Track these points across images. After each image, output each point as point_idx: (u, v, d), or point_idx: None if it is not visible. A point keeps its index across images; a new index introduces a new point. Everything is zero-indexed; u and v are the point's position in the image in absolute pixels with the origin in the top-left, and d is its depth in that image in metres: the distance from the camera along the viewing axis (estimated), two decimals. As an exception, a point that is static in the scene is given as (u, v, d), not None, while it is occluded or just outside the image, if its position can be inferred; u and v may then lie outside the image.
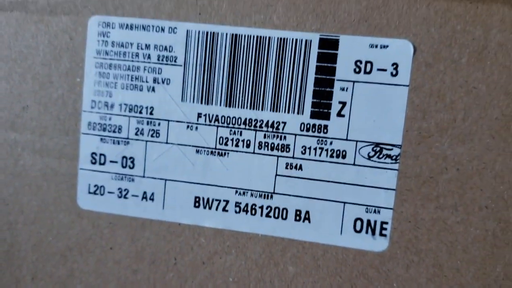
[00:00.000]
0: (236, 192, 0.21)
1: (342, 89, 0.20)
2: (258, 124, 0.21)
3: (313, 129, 0.20)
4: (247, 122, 0.21)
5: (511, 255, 0.20)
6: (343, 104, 0.20)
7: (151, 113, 0.22)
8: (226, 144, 0.21)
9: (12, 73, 0.22)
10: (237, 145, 0.21)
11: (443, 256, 0.20)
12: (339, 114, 0.20)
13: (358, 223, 0.20)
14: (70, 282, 0.23)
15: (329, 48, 0.20)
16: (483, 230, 0.20)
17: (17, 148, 0.23)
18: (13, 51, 0.22)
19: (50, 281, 0.23)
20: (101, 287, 0.23)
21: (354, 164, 0.20)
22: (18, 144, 0.23)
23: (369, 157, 0.20)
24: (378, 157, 0.20)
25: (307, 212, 0.21)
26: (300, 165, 0.21)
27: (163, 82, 0.21)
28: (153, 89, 0.21)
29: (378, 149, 0.20)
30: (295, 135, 0.21)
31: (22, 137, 0.23)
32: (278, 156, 0.21)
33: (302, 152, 0.21)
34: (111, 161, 0.22)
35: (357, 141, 0.20)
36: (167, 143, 0.22)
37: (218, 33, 0.21)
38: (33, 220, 0.23)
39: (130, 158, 0.22)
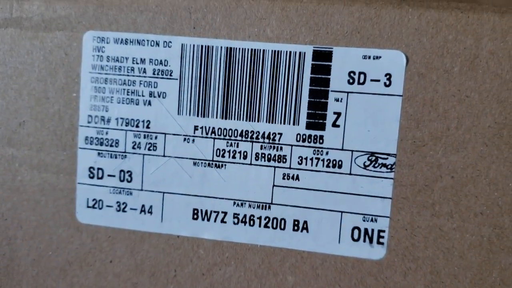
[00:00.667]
0: (234, 203, 0.21)
1: (337, 100, 0.20)
2: (255, 136, 0.21)
3: (309, 140, 0.21)
4: (244, 133, 0.21)
5: (507, 260, 0.20)
6: (338, 114, 0.20)
7: (147, 127, 0.22)
8: (223, 156, 0.21)
9: (8, 90, 0.22)
10: (234, 157, 0.21)
11: (440, 262, 0.20)
12: (334, 125, 0.20)
13: (356, 231, 0.21)
14: (71, 296, 0.23)
15: (322, 60, 0.20)
16: (478, 236, 0.20)
17: (14, 164, 0.23)
18: (8, 67, 0.22)
19: (50, 295, 0.23)
20: (101, 300, 0.23)
21: (350, 174, 0.21)
22: (16, 160, 0.23)
23: (365, 167, 0.20)
24: (373, 166, 0.20)
25: (305, 222, 0.21)
26: (297, 175, 0.21)
27: (159, 96, 0.21)
28: (149, 103, 0.21)
29: (373, 158, 0.20)
30: (291, 145, 0.21)
31: (19, 153, 0.23)
32: (275, 167, 0.21)
33: (298, 162, 0.21)
34: (109, 175, 0.22)
35: (352, 151, 0.20)
36: (164, 156, 0.22)
37: (212, 47, 0.21)
38: (32, 235, 0.23)
39: (128, 171, 0.22)
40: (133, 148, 0.22)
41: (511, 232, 0.20)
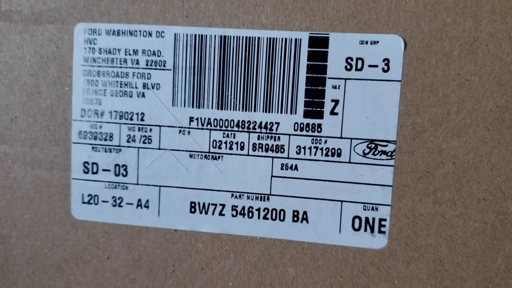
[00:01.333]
0: (232, 195, 0.21)
1: (334, 87, 0.20)
2: (251, 126, 0.21)
3: (307, 129, 0.20)
4: (240, 124, 0.21)
5: (511, 246, 0.20)
6: (336, 102, 0.20)
7: (142, 119, 0.21)
8: (219, 147, 0.21)
9: (-1, 85, 0.22)
10: (231, 148, 0.21)
11: (443, 250, 0.20)
12: (332, 112, 0.20)
13: (357, 221, 0.20)
14: (68, 294, 0.23)
15: (319, 47, 0.20)
16: (482, 223, 0.20)
17: (7, 161, 0.22)
18: (-2, 62, 0.22)
19: (47, 294, 0.23)
20: (99, 297, 0.22)
21: (349, 162, 0.20)
22: (8, 157, 0.22)
23: (364, 154, 0.20)
24: (373, 154, 0.20)
25: (305, 212, 0.21)
26: (296, 165, 0.20)
27: (153, 87, 0.21)
28: (143, 95, 0.21)
29: (373, 146, 0.20)
30: (289, 135, 0.20)
31: (12, 149, 0.22)
32: (273, 157, 0.21)
33: (297, 152, 0.20)
34: (103, 170, 0.22)
35: (351, 139, 0.20)
36: (159, 149, 0.21)
37: (206, 36, 0.20)
38: (27, 233, 0.23)
39: (123, 165, 0.22)
40: (128, 141, 0.21)
41: (515, 217, 0.19)
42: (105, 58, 0.21)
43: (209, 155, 0.21)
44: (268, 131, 0.20)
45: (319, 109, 0.20)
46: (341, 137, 0.20)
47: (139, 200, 0.22)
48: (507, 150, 0.19)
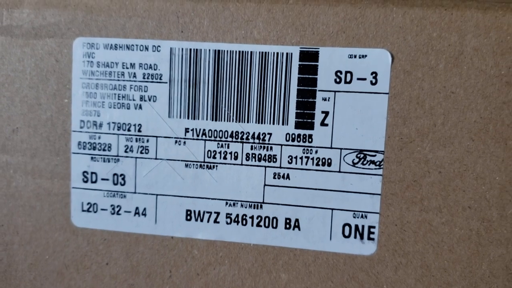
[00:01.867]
0: (227, 203, 0.22)
1: (324, 99, 0.21)
2: (245, 136, 0.21)
3: (298, 139, 0.21)
4: (234, 134, 0.21)
5: (495, 252, 0.20)
6: (326, 113, 0.21)
7: (139, 130, 0.22)
8: (214, 157, 0.22)
9: (1, 97, 0.23)
10: (225, 158, 0.22)
11: (430, 256, 0.21)
12: (323, 123, 0.21)
13: (347, 228, 0.21)
14: (68, 299, 0.23)
15: (309, 60, 0.20)
16: (467, 230, 0.20)
17: (9, 170, 0.23)
18: (0, 75, 0.23)
19: (48, 299, 0.24)
20: (98, 302, 0.23)
21: (339, 171, 0.21)
22: (10, 166, 0.23)
23: (354, 164, 0.21)
24: (362, 163, 0.21)
25: (297, 220, 0.21)
26: (288, 174, 0.21)
27: (149, 100, 0.22)
28: (140, 107, 0.22)
29: (362, 155, 0.21)
30: (281, 145, 0.21)
31: (13, 159, 0.23)
32: (265, 167, 0.21)
33: (288, 161, 0.21)
34: (102, 179, 0.23)
35: (341, 149, 0.21)
36: (156, 158, 0.22)
37: (201, 50, 0.21)
38: (28, 240, 0.23)
39: (121, 175, 0.22)
40: (126, 151, 0.22)
41: (499, 225, 0.20)
42: (103, 71, 0.22)
43: (204, 165, 0.22)
44: (260, 141, 0.21)
45: (310, 120, 0.21)
46: (331, 147, 0.21)
47: (137, 208, 0.22)
48: (491, 160, 0.20)
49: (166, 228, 0.22)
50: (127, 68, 0.22)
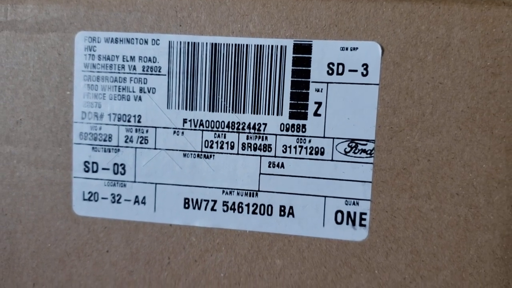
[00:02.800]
0: (223, 191, 0.22)
1: (317, 90, 0.21)
2: (241, 127, 0.22)
3: (292, 129, 0.22)
4: (230, 125, 0.22)
5: (482, 238, 0.21)
6: (319, 104, 0.21)
7: (139, 121, 0.23)
8: (211, 147, 0.22)
9: (5, 89, 0.23)
10: (222, 147, 0.22)
11: (420, 242, 0.21)
12: (316, 114, 0.21)
13: (339, 215, 0.22)
14: (70, 286, 0.24)
15: (303, 53, 0.21)
16: (455, 216, 0.21)
17: (12, 161, 0.24)
18: (4, 68, 0.23)
19: (50, 286, 0.24)
20: (99, 289, 0.24)
21: (332, 160, 0.22)
22: (14, 157, 0.24)
23: (346, 153, 0.21)
24: (354, 152, 0.21)
25: (291, 207, 0.22)
26: (282, 163, 0.22)
27: (149, 91, 0.22)
28: (140, 98, 0.23)
29: (353, 144, 0.21)
30: (276, 135, 0.22)
31: (17, 150, 0.24)
32: (261, 156, 0.22)
33: (283, 151, 0.22)
34: (103, 169, 0.23)
35: (333, 138, 0.21)
36: (155, 148, 0.23)
37: (198, 43, 0.22)
38: (31, 229, 0.24)
39: (121, 164, 0.23)
40: (126, 142, 0.23)
41: (486, 211, 0.21)
42: (104, 64, 0.23)
43: (201, 154, 0.22)
44: (256, 131, 0.22)
45: (303, 110, 0.22)
46: (324, 137, 0.22)
47: (137, 196, 0.23)
48: (478, 148, 0.21)
49: (165, 216, 0.23)
50: (127, 61, 0.22)
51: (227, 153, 0.22)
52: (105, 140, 0.23)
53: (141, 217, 0.23)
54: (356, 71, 0.21)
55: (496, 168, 0.21)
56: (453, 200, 0.21)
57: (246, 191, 0.22)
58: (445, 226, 0.21)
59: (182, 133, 0.22)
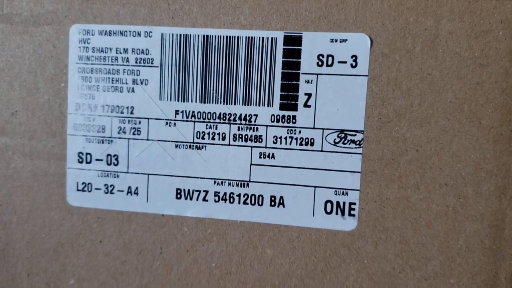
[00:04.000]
0: (215, 182, 0.23)
1: (307, 81, 0.22)
2: (232, 118, 0.22)
3: (283, 120, 0.22)
4: (222, 116, 0.22)
5: (471, 228, 0.21)
6: (309, 95, 0.22)
7: (131, 113, 0.23)
8: (203, 138, 0.23)
9: (1, 82, 0.24)
10: (213, 138, 0.23)
11: (409, 232, 0.22)
12: (306, 105, 0.22)
13: (329, 205, 0.22)
14: (64, 276, 0.24)
15: (293, 45, 0.22)
16: (444, 206, 0.21)
17: (8, 152, 0.24)
18: (0, 60, 0.24)
19: (45, 276, 0.25)
20: (92, 279, 0.24)
21: (321, 151, 0.22)
22: (9, 148, 0.24)
23: (335, 143, 0.22)
24: (343, 143, 0.22)
25: (281, 198, 0.22)
26: (273, 154, 0.22)
27: (141, 83, 0.23)
28: (133, 90, 0.23)
29: (342, 135, 0.22)
30: (267, 126, 0.22)
31: (12, 141, 0.24)
32: (251, 147, 0.22)
33: (273, 141, 0.22)
34: (96, 160, 0.24)
35: (323, 129, 0.22)
36: (148, 139, 0.23)
37: (190, 35, 0.22)
38: (26, 219, 0.24)
39: (114, 155, 0.23)
40: (119, 133, 0.23)
41: (475, 201, 0.21)
42: (98, 57, 0.23)
43: (193, 145, 0.23)
44: (247, 122, 0.22)
45: (293, 102, 0.22)
46: (314, 128, 0.22)
47: (129, 187, 0.23)
48: (466, 138, 0.21)
49: (157, 206, 0.23)
50: (120, 53, 0.23)
51: (219, 144, 0.23)
52: (98, 132, 0.23)
53: (134, 208, 0.23)
54: (345, 62, 0.21)
55: (484, 159, 0.21)
56: (442, 190, 0.21)
57: (237, 182, 0.23)
58: (434, 216, 0.21)
59: (174, 124, 0.23)
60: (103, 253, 0.24)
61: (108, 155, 0.23)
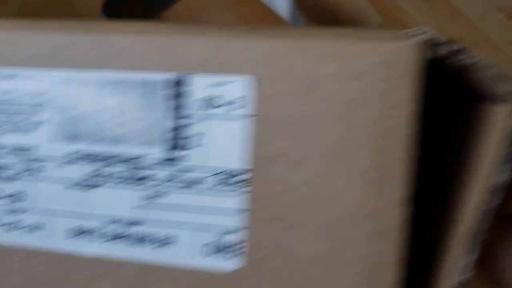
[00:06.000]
0: (109, 221, 0.23)
1: (196, 122, 0.22)
2: (122, 159, 0.23)
3: (172, 160, 0.22)
4: (112, 157, 0.23)
5: (353, 270, 0.21)
6: (198, 135, 0.22)
7: (33, 152, 0.24)
8: (98, 177, 0.23)
9: None
10: (105, 179, 0.23)
11: (291, 273, 0.21)
12: (194, 145, 0.22)
13: (213, 246, 0.22)
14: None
15: (182, 86, 0.22)
16: (325, 248, 0.21)
17: None
18: None
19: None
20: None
21: (210, 189, 0.22)
22: None
23: (222, 183, 0.22)
24: (228, 183, 0.22)
25: (168, 238, 0.22)
26: (161, 195, 0.22)
27: (40, 124, 0.24)
28: (33, 130, 0.24)
29: (230, 175, 0.22)
30: (156, 166, 0.22)
31: None
32: (140, 188, 0.23)
33: (162, 182, 0.22)
34: (1, 198, 0.24)
35: (211, 168, 0.22)
36: (49, 178, 0.24)
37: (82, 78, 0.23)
38: None
39: (20, 193, 0.24)
40: (23, 172, 0.24)
41: (357, 242, 0.21)
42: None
43: (89, 185, 0.23)
44: (136, 164, 0.23)
45: (183, 142, 0.22)
46: (202, 168, 0.22)
47: (33, 224, 0.24)
48: (347, 179, 0.21)
49: (57, 243, 0.24)
50: (19, 96, 0.24)
51: (111, 184, 0.23)
52: (3, 170, 0.24)
53: (37, 243, 0.24)
54: (233, 103, 0.22)
55: (365, 200, 0.21)
56: (324, 231, 0.21)
57: (128, 222, 0.23)
58: (316, 258, 0.21)
59: (71, 163, 0.23)
60: (4, 290, 0.24)
61: (13, 193, 0.24)
